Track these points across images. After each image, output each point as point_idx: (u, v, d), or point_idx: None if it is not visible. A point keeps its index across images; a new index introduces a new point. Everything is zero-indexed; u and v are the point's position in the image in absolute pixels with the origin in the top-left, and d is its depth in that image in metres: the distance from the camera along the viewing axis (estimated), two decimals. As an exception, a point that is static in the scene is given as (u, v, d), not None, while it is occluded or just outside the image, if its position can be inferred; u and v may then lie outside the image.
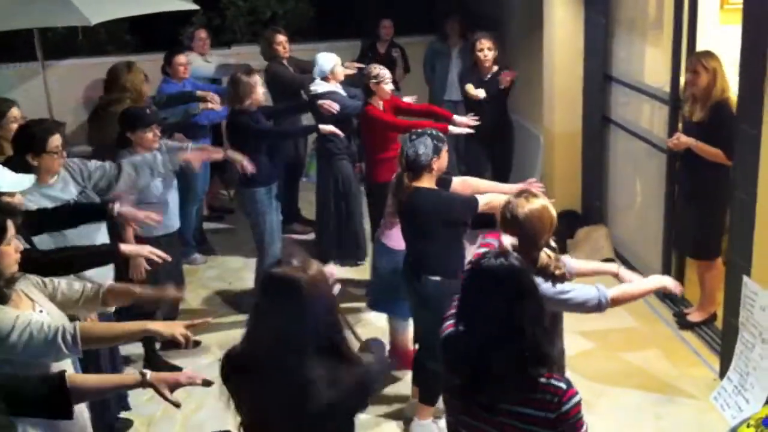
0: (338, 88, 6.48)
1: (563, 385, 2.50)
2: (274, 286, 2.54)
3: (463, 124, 6.12)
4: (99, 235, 4.20)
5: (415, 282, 4.33)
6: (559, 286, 3.19)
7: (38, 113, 7.22)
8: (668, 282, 3.42)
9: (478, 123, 6.18)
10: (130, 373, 3.02)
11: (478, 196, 4.26)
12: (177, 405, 2.73)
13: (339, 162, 6.53)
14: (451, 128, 5.96)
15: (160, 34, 8.53)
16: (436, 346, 4.37)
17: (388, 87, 5.99)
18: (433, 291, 4.24)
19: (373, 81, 5.93)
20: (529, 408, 2.47)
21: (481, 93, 6.69)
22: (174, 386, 2.71)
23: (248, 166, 5.41)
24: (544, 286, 3.14)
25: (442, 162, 4.30)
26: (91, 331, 2.93)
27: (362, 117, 6.11)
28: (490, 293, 2.48)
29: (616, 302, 3.28)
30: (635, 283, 3.55)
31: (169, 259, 3.91)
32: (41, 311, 2.99)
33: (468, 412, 2.58)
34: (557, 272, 3.20)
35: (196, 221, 7.08)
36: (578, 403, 2.51)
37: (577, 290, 3.22)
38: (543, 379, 2.48)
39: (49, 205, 4.00)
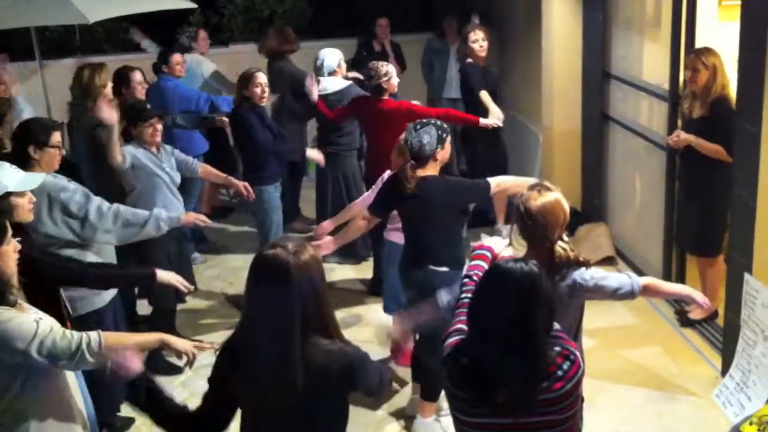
0: (348, 84, 6.55)
1: (566, 367, 2.49)
2: (262, 268, 2.61)
3: (491, 124, 6.30)
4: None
5: (419, 273, 4.29)
6: (596, 273, 3.15)
7: (37, 112, 7.22)
8: (698, 296, 3.37)
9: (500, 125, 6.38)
10: (152, 334, 3.26)
11: (489, 179, 4.25)
12: (190, 362, 3.10)
13: (337, 158, 6.53)
14: (482, 120, 6.19)
15: (157, 33, 8.50)
16: (435, 338, 4.34)
17: (396, 81, 6.05)
18: (438, 283, 4.15)
19: (385, 79, 5.91)
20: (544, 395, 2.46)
21: (496, 121, 6.39)
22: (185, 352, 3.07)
23: (247, 192, 5.44)
24: (587, 274, 3.13)
25: (445, 153, 4.29)
26: (114, 340, 3.01)
27: (377, 112, 6.01)
28: (509, 298, 2.43)
29: (645, 291, 3.27)
30: (666, 283, 3.56)
31: (192, 287, 4.12)
32: (41, 319, 2.95)
33: (485, 414, 2.52)
34: (581, 258, 3.16)
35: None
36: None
37: (612, 276, 3.21)
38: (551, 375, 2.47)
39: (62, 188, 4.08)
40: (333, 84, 6.51)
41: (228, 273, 6.77)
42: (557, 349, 2.49)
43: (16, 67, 7.81)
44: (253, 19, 10.26)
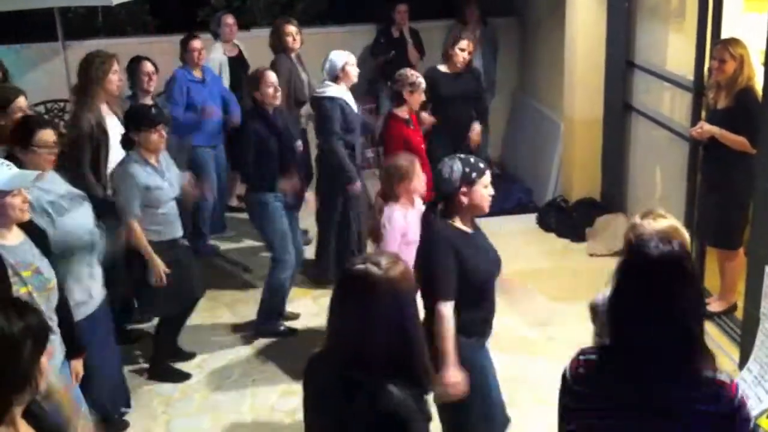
0: (347, 94, 5.78)
1: (727, 379, 2.30)
2: (347, 282, 2.37)
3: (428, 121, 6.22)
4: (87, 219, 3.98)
5: None
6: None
7: (58, 93, 7.27)
8: None
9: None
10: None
11: None
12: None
13: (344, 179, 5.80)
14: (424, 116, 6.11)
15: (179, 15, 8.54)
16: None
17: (422, 97, 5.62)
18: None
19: (409, 89, 5.52)
20: (702, 404, 2.24)
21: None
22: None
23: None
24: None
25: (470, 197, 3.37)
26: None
27: (386, 129, 5.65)
28: (654, 283, 2.16)
29: None
30: None
31: None
32: None
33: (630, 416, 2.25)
34: None
35: (217, 211, 6.95)
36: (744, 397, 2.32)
37: None
38: (709, 373, 2.27)
39: (46, 197, 3.76)
40: (329, 92, 5.69)
41: (247, 260, 6.77)
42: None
43: (38, 48, 7.87)
44: (275, 3, 10.26)
